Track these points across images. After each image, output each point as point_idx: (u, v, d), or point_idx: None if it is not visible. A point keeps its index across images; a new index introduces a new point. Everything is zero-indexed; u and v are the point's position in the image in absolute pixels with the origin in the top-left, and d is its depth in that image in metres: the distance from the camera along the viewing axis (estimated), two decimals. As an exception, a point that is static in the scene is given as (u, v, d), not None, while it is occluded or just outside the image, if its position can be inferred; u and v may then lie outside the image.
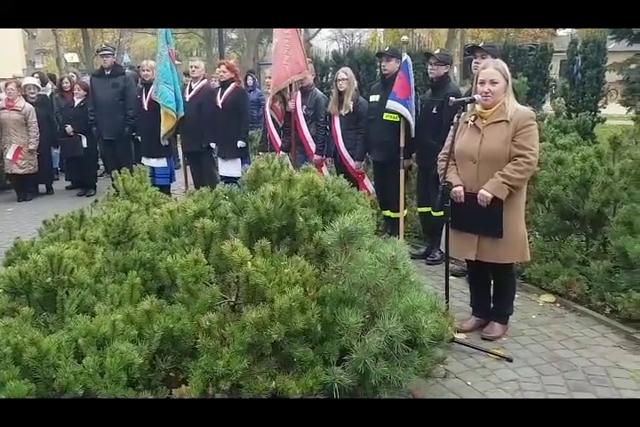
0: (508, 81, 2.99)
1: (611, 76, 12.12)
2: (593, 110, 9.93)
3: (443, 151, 3.17)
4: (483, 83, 2.96)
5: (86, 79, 7.95)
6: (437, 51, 4.74)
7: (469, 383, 2.70)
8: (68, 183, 7.80)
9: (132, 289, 2.19)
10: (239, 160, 5.52)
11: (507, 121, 2.94)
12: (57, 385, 1.84)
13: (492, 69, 2.96)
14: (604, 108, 10.72)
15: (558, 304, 3.58)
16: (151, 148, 5.85)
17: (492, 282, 3.25)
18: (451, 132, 3.07)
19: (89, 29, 21.45)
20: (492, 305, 3.25)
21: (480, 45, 3.96)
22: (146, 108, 5.82)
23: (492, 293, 3.25)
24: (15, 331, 1.89)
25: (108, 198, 3.54)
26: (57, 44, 22.94)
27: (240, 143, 5.46)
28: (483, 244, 2.99)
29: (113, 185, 3.54)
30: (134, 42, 31.43)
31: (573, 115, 9.23)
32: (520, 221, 3.03)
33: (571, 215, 3.85)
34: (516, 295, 3.70)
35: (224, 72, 5.49)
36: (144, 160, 5.82)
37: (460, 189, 2.99)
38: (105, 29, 26.87)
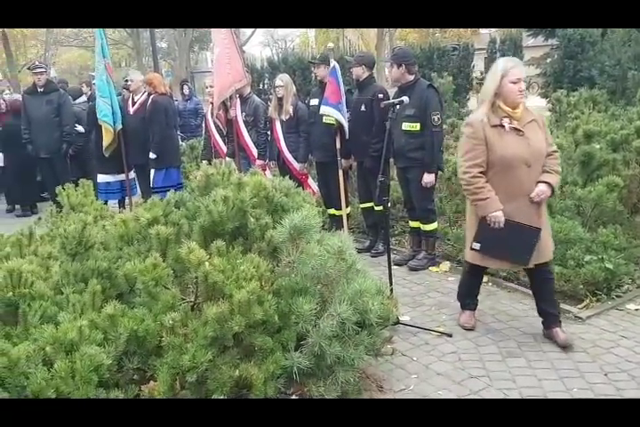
0: None
1: (531, 71, 12.94)
2: (515, 104, 10.58)
3: (469, 165, 2.86)
4: (517, 82, 2.81)
5: (17, 97, 7.75)
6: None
7: (415, 359, 2.94)
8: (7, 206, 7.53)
9: (94, 297, 2.27)
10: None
11: (535, 120, 2.90)
12: (29, 392, 1.92)
13: (522, 69, 2.86)
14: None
15: (490, 283, 3.86)
16: (114, 163, 5.68)
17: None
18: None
19: (12, 45, 20.60)
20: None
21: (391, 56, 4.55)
22: None
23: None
24: (-18, 344, 1.95)
25: (51, 215, 3.56)
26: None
27: (151, 154, 5.46)
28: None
29: (55, 201, 3.55)
30: (59, 55, 30.38)
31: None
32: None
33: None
34: (451, 278, 4.01)
35: (146, 87, 5.63)
36: (108, 177, 5.74)
37: (499, 213, 2.80)
38: (28, 44, 25.87)
